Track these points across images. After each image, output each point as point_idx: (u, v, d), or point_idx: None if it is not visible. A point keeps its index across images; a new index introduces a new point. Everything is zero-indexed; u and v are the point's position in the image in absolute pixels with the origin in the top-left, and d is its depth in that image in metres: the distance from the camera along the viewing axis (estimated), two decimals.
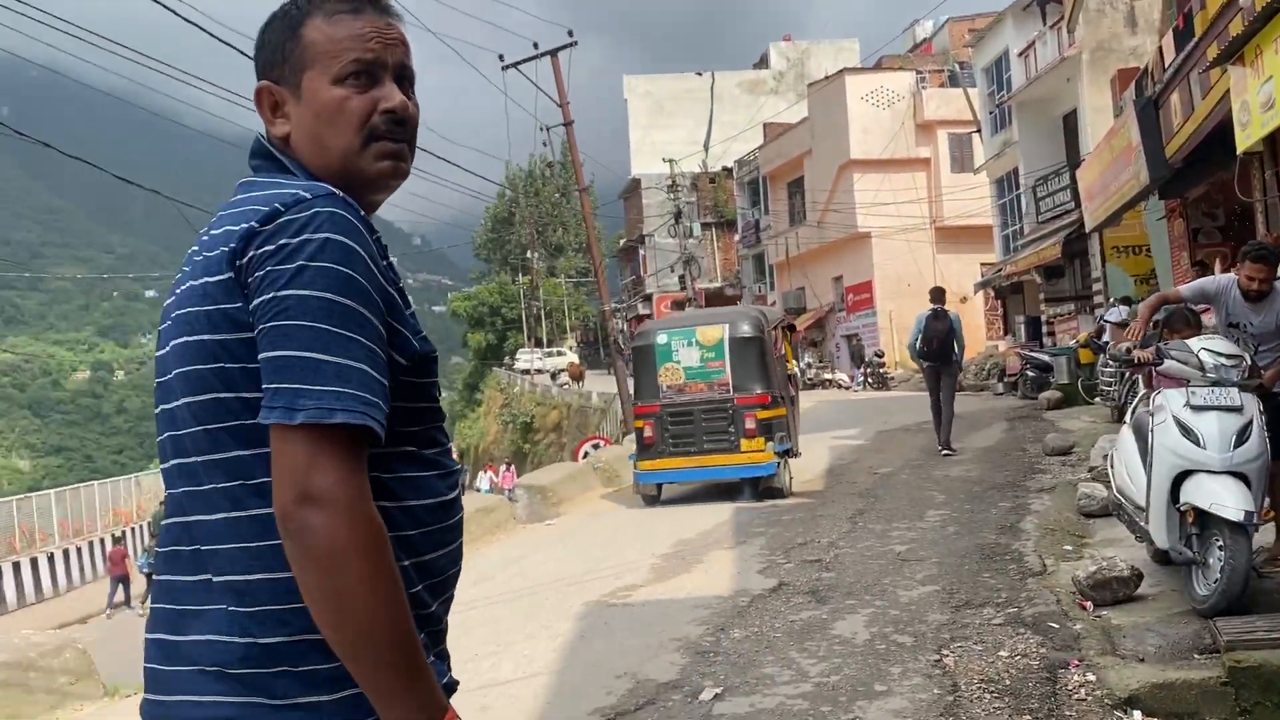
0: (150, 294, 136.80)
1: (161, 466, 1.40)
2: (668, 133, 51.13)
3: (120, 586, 24.68)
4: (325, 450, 1.20)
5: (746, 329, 11.09)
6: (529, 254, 58.86)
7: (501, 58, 23.26)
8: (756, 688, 4.55)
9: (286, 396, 1.20)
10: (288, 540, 1.21)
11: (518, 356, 53.67)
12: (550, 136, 25.12)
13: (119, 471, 62.20)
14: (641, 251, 54.12)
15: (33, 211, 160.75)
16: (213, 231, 1.34)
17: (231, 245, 1.27)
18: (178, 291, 1.36)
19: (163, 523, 1.41)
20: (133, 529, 33.52)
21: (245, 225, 1.27)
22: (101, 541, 32.49)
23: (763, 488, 10.74)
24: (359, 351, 1.23)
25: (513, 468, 30.03)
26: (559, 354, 52.47)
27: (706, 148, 49.44)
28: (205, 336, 1.29)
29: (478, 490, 25.01)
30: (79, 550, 31.34)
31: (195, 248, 1.37)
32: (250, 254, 1.26)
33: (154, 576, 1.37)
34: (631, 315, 54.71)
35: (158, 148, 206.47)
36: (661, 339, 11.28)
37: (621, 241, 60.25)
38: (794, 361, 13.58)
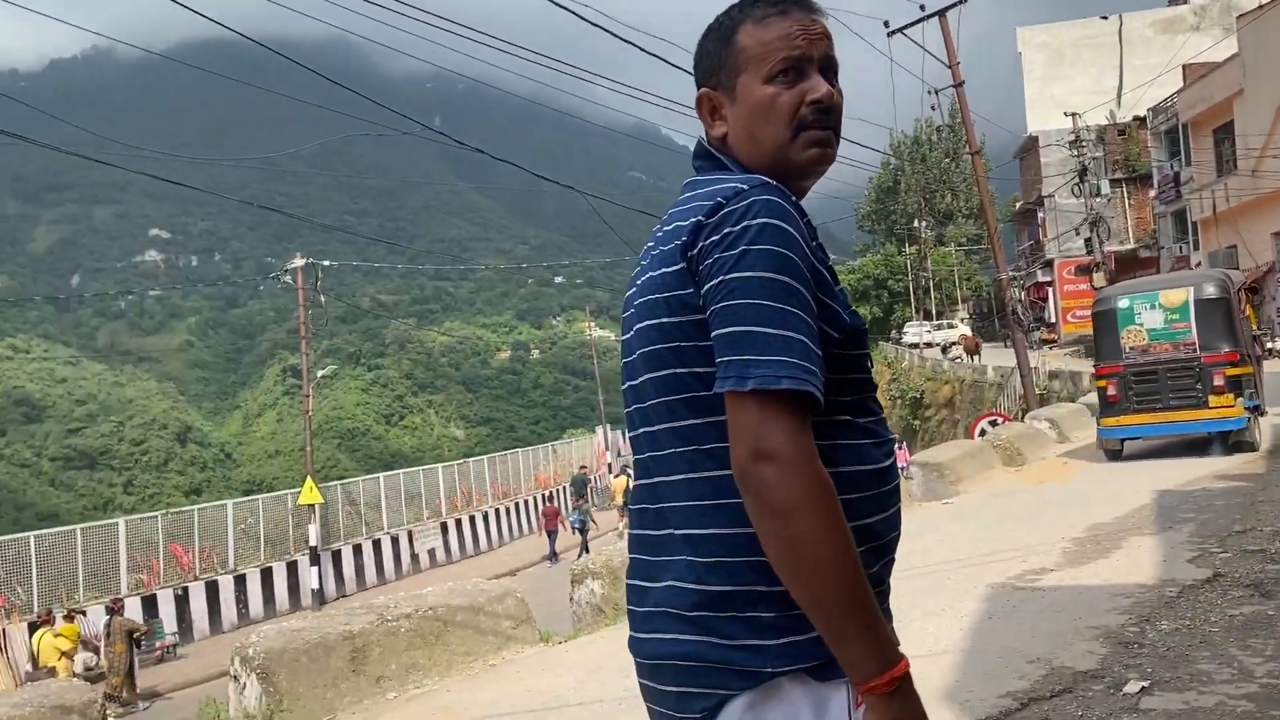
0: (559, 280, 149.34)
1: (630, 435, 1.58)
2: (1068, 84, 47.37)
3: (550, 540, 27.88)
4: (774, 413, 1.31)
5: (1212, 291, 11.46)
6: (916, 223, 57.23)
7: (887, 24, 22.76)
8: (1190, 684, 4.18)
9: (738, 367, 1.33)
10: (746, 495, 1.33)
11: (905, 330, 52.42)
12: (939, 99, 24.22)
13: (537, 440, 68.68)
14: (1040, 214, 50.69)
15: (462, 210, 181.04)
16: (665, 228, 1.50)
17: (683, 239, 1.43)
18: (638, 283, 1.53)
19: (634, 483, 1.59)
20: (552, 492, 36.99)
21: (693, 220, 1.43)
22: (525, 503, 36.19)
23: (1232, 442, 11.09)
24: (798, 324, 1.34)
25: (904, 445, 29.55)
26: (949, 326, 50.65)
27: (1119, 97, 45.26)
28: (663, 320, 1.45)
29: None
30: (507, 510, 35.10)
31: (650, 244, 1.54)
32: (699, 244, 1.41)
33: (630, 530, 1.58)
34: (1030, 283, 51.53)
35: (563, 144, 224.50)
36: (1123, 303, 11.88)
37: (1017, 204, 56.79)
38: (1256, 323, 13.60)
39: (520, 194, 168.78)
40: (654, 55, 11.45)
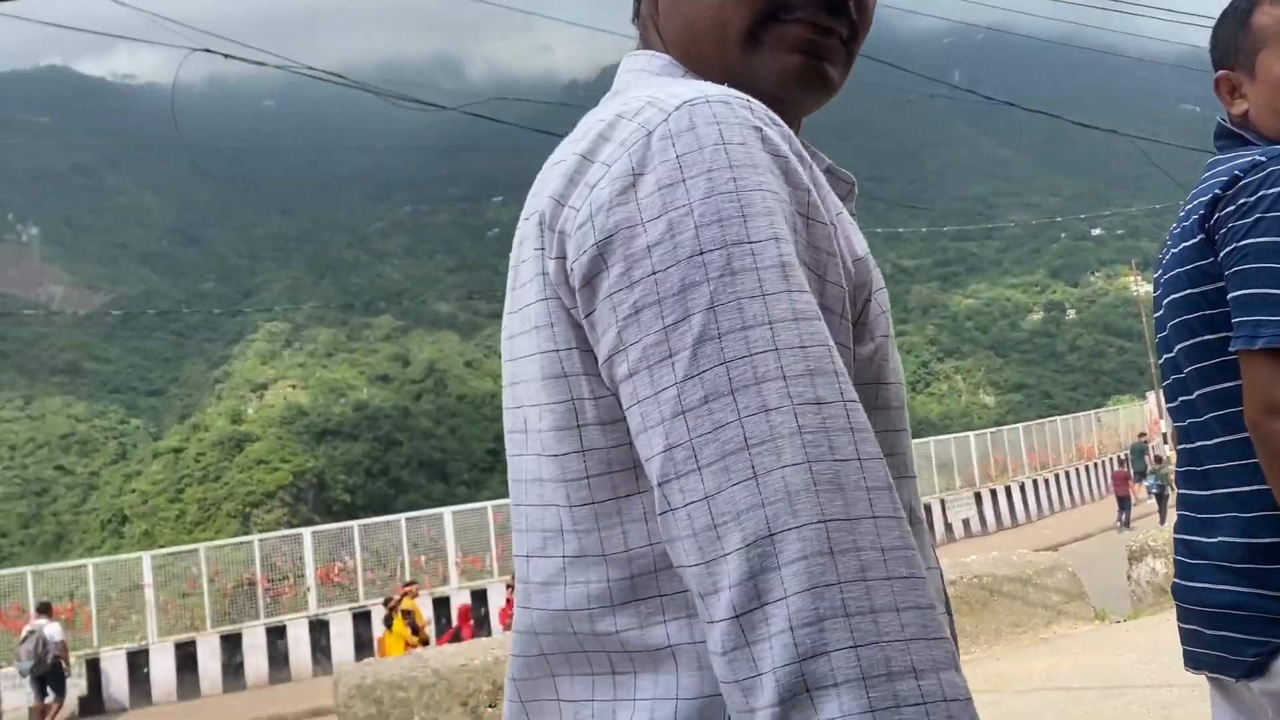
0: (1096, 232, 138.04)
1: (1168, 405, 1.71)
2: None
3: (1121, 507, 26.73)
4: None
5: None
6: None
7: None
8: None
9: (1249, 327, 1.44)
10: (1257, 445, 1.43)
11: None
12: None
13: (1075, 407, 64.45)
14: None
15: (984, 166, 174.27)
16: (1186, 207, 1.63)
17: (1201, 213, 1.55)
18: (1163, 260, 1.67)
19: (1178, 448, 1.72)
20: (1096, 463, 34.58)
21: (1211, 195, 1.54)
22: (1065, 475, 34.22)
23: None
24: None
25: None
26: None
27: None
28: (1188, 291, 1.58)
29: None
30: (1046, 481, 33.45)
31: (1175, 224, 1.67)
32: (1215, 216, 1.52)
33: (1178, 491, 1.73)
34: None
35: (1097, 84, 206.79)
36: None
37: None
38: None
39: (1048, 143, 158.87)
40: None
